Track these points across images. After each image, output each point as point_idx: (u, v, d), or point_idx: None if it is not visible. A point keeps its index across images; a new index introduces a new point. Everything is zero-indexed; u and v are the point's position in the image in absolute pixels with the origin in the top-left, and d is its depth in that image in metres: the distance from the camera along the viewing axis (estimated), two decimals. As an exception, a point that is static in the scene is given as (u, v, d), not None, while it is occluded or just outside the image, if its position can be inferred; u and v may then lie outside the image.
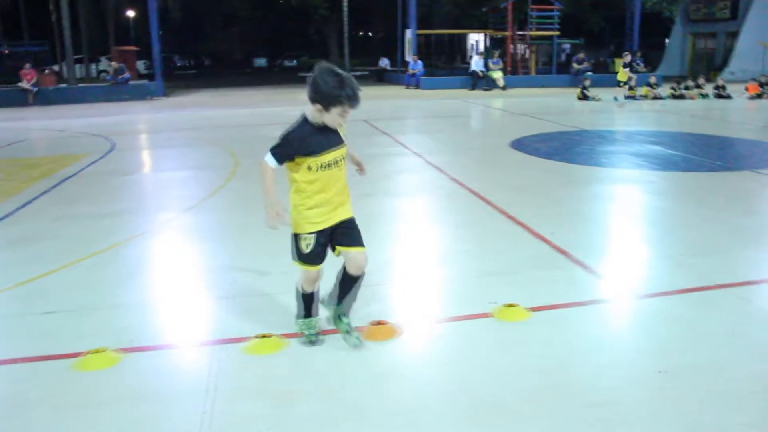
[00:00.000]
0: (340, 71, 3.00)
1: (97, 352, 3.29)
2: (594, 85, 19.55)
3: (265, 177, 3.09)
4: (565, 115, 14.88)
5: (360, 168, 3.45)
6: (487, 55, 26.39)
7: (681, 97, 18.83)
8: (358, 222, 3.31)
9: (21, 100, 20.39)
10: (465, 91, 23.46)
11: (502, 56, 25.52)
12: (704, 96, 19.07)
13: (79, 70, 30.56)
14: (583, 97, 18.45)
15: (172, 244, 5.50)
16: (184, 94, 24.67)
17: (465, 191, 7.03)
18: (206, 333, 3.63)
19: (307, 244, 3.16)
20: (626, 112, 15.76)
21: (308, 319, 3.44)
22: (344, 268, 3.31)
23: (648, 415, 2.73)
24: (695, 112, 15.37)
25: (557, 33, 27.52)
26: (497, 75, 23.80)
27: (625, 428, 2.65)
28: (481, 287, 4.22)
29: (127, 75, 22.61)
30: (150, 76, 27.21)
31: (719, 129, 12.37)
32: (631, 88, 18.47)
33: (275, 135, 3.12)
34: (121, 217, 6.26)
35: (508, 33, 26.92)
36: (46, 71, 24.49)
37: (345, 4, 29.82)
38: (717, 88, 19.13)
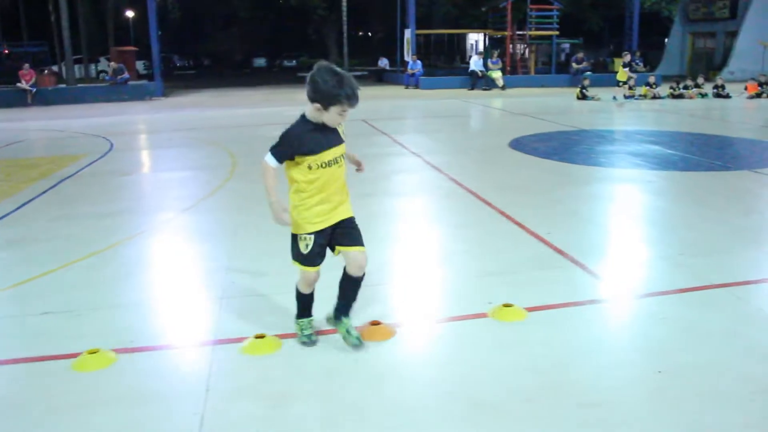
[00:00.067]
0: (339, 70, 2.99)
1: (92, 352, 3.28)
2: (593, 84, 19.55)
3: (266, 177, 3.08)
4: (564, 114, 14.88)
5: (359, 167, 3.42)
6: (486, 54, 26.38)
7: (680, 96, 18.84)
8: (356, 222, 3.30)
9: (20, 100, 20.38)
10: (464, 91, 23.46)
11: (502, 56, 25.51)
12: (703, 95, 19.07)
13: (78, 71, 30.58)
14: (582, 96, 18.45)
15: (170, 245, 5.49)
16: (183, 94, 24.67)
17: (463, 191, 7.02)
18: (203, 333, 3.62)
19: (306, 245, 3.15)
20: (625, 112, 15.76)
21: (305, 319, 3.43)
22: (344, 271, 3.28)
23: (647, 416, 2.72)
24: (694, 112, 15.37)
25: (556, 33, 27.53)
26: (496, 75, 23.79)
27: (624, 428, 2.64)
28: (478, 287, 4.21)
29: (126, 75, 22.60)
30: (149, 77, 27.22)
31: (718, 128, 12.37)
32: (630, 88, 18.48)
33: (274, 135, 3.11)
34: (120, 217, 6.25)
35: (507, 33, 26.92)
36: (45, 71, 24.50)
37: (344, 4, 29.86)
38: (716, 87, 19.13)
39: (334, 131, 3.11)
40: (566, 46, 38.03)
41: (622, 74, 18.33)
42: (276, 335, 3.47)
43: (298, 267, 3.26)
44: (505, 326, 3.60)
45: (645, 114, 15.17)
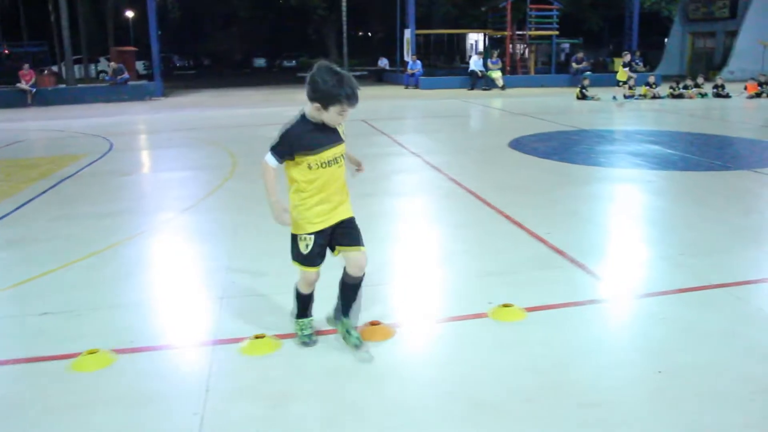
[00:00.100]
0: (339, 69, 2.97)
1: (92, 352, 3.28)
2: (593, 84, 19.55)
3: (267, 176, 3.07)
4: (563, 114, 14.88)
5: (359, 167, 3.41)
6: (486, 54, 26.38)
7: (680, 96, 18.84)
8: (357, 222, 3.29)
9: (20, 100, 20.38)
10: (464, 91, 23.46)
11: (501, 56, 25.51)
12: (703, 95, 19.07)
13: (78, 71, 30.56)
14: (582, 96, 18.45)
15: (169, 245, 5.49)
16: (183, 94, 24.67)
17: (463, 191, 7.02)
18: (203, 333, 3.62)
19: (306, 245, 3.14)
20: (625, 112, 15.76)
21: (304, 320, 3.42)
22: (344, 273, 3.27)
23: (647, 416, 2.72)
24: (694, 112, 15.37)
25: (556, 33, 27.53)
26: (496, 75, 23.79)
27: (624, 428, 2.64)
28: (477, 287, 4.21)
29: (126, 75, 22.60)
30: (149, 77, 27.20)
31: (718, 128, 12.36)
32: (630, 88, 18.48)
33: (274, 135, 3.10)
34: (119, 217, 6.25)
35: (507, 33, 26.91)
36: (45, 72, 24.49)
37: (344, 4, 29.82)
38: (716, 87, 19.14)
39: (334, 131, 3.10)
40: (566, 46, 38.02)
41: (622, 74, 18.34)
42: (276, 335, 3.47)
43: (298, 267, 3.26)
44: (504, 326, 3.60)
45: (645, 114, 15.16)
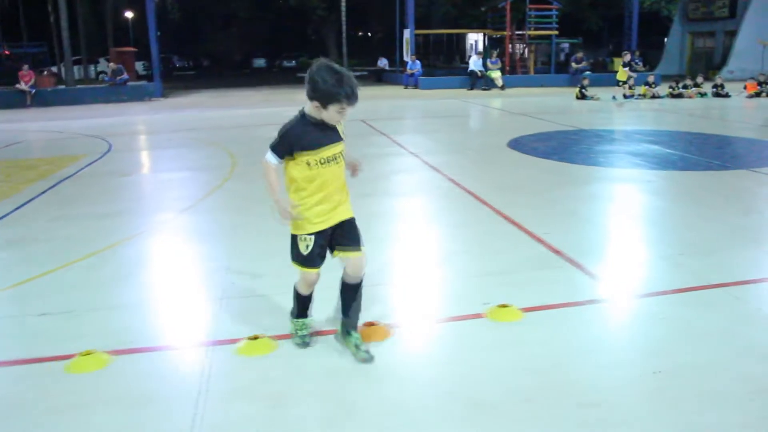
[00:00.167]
0: (338, 68, 2.96)
1: (87, 354, 3.27)
2: (593, 84, 19.55)
3: (268, 175, 3.07)
4: (563, 114, 14.88)
5: (354, 172, 3.35)
6: (485, 54, 26.39)
7: (679, 96, 18.84)
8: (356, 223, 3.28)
9: (19, 101, 20.38)
10: (463, 91, 23.46)
11: (501, 56, 25.51)
12: (703, 95, 19.08)
13: (77, 72, 30.58)
14: (582, 96, 18.45)
15: (168, 245, 5.49)
16: (182, 95, 24.66)
17: (461, 191, 7.02)
18: (200, 334, 3.62)
19: (307, 245, 3.12)
20: (624, 112, 15.76)
21: (302, 320, 3.41)
22: (343, 275, 3.25)
23: (646, 416, 2.72)
24: (694, 111, 15.36)
25: (556, 32, 27.51)
26: (496, 75, 23.79)
27: (623, 428, 2.64)
28: (475, 288, 4.21)
29: (125, 76, 22.61)
30: (149, 77, 27.20)
31: (717, 128, 12.36)
32: (630, 88, 18.48)
33: (274, 135, 3.10)
34: (118, 218, 6.24)
35: (506, 33, 26.91)
36: (45, 72, 24.49)
37: (343, 4, 29.83)
38: (715, 86, 19.14)
39: (334, 129, 3.09)
40: (565, 45, 38.02)
41: (622, 74, 18.34)
42: (274, 336, 3.47)
43: (297, 268, 3.24)
44: (501, 327, 3.60)
45: (644, 113, 15.16)
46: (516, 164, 8.76)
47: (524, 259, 4.74)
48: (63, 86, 23.65)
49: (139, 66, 33.95)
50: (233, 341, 3.44)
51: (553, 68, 28.49)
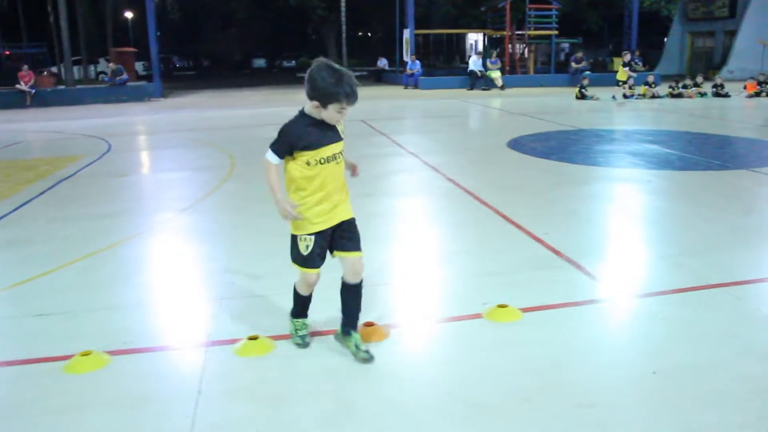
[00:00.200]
0: (338, 67, 2.95)
1: (85, 354, 3.27)
2: (592, 84, 19.55)
3: (269, 174, 3.06)
4: (563, 114, 14.87)
5: (354, 171, 3.35)
6: (485, 54, 26.38)
7: (679, 96, 18.83)
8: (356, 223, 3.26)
9: (19, 101, 20.39)
10: (463, 91, 23.46)
11: (501, 56, 25.52)
12: (702, 95, 19.07)
13: (77, 72, 30.59)
14: (581, 96, 18.44)
15: (167, 246, 5.48)
16: (182, 95, 24.66)
17: (460, 191, 7.01)
18: (199, 335, 3.61)
19: (307, 246, 3.11)
20: (624, 111, 15.75)
21: (301, 320, 3.40)
22: (342, 279, 3.24)
23: (644, 416, 2.71)
24: (693, 111, 15.36)
25: (555, 32, 27.52)
26: (495, 75, 23.79)
27: (621, 429, 2.63)
28: (473, 288, 4.20)
29: (125, 76, 22.60)
30: (148, 78, 27.19)
31: (717, 128, 12.36)
32: (630, 87, 18.47)
33: (273, 136, 3.09)
34: (117, 218, 6.24)
35: (506, 32, 26.91)
36: (44, 73, 24.49)
37: (343, 4, 29.83)
38: (715, 86, 19.13)
39: (333, 129, 3.08)
40: (565, 45, 38.05)
41: (622, 74, 18.33)
42: (273, 336, 3.46)
43: (297, 269, 3.22)
44: (499, 327, 3.59)
45: (644, 113, 15.16)
46: (515, 164, 8.75)
47: (523, 260, 4.73)
48: (63, 86, 23.67)
49: (138, 66, 33.96)
50: (232, 341, 3.44)
51: (552, 68, 28.50)
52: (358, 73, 2.96)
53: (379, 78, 32.72)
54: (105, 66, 32.69)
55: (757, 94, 18.71)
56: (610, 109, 16.18)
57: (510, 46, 27.10)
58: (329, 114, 2.98)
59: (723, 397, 2.84)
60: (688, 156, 9.11)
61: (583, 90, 18.53)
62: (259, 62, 58.42)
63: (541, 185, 7.28)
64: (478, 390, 2.94)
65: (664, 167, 8.19)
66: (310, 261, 3.15)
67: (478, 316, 3.72)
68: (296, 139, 3.00)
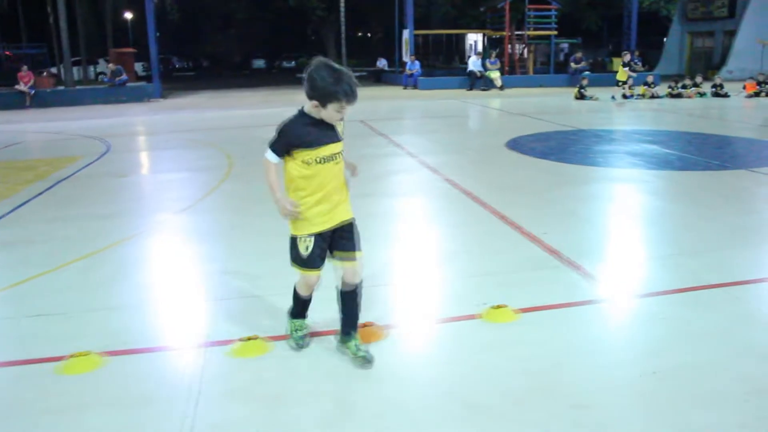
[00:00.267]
0: (337, 66, 2.94)
1: (80, 355, 3.27)
2: (592, 84, 19.55)
3: (268, 174, 3.06)
4: (562, 114, 14.87)
5: (354, 171, 3.32)
6: (484, 55, 26.38)
7: (678, 96, 18.83)
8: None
9: (18, 102, 20.38)
10: (463, 92, 23.45)
11: (500, 56, 25.51)
12: (702, 95, 19.07)
13: (77, 73, 30.58)
14: (581, 96, 18.44)
15: (164, 246, 5.48)
16: (181, 96, 24.64)
17: (458, 192, 7.01)
18: (194, 335, 3.60)
19: (307, 247, 3.09)
20: (623, 112, 15.75)
21: (299, 320, 3.39)
22: (341, 281, 3.22)
23: (643, 417, 2.71)
24: (693, 111, 15.36)
25: (555, 32, 27.52)
26: (495, 75, 23.78)
27: (619, 429, 2.63)
28: (470, 288, 4.20)
29: (124, 77, 22.58)
30: (148, 78, 27.18)
31: (716, 128, 12.36)
32: (630, 87, 18.47)
33: (271, 136, 3.09)
34: (116, 218, 6.23)
35: (505, 33, 26.91)
36: (44, 73, 24.47)
37: (342, 4, 29.82)
38: (715, 86, 19.14)
39: (333, 129, 3.06)
40: (565, 45, 38.03)
41: (622, 74, 18.32)
42: (271, 337, 3.46)
43: (297, 271, 3.19)
44: (497, 328, 3.59)
45: (643, 113, 15.16)
46: (514, 164, 8.75)
47: (522, 260, 4.73)
48: (62, 87, 23.64)
49: (138, 67, 33.92)
50: (231, 342, 3.43)
51: (552, 68, 28.50)
52: (357, 74, 2.93)
53: (378, 78, 32.71)
54: (104, 67, 32.67)
55: (757, 94, 18.71)
56: (609, 110, 16.18)
57: (509, 46, 27.10)
58: (328, 113, 2.97)
59: (723, 397, 2.83)
60: (687, 156, 9.11)
61: (582, 90, 18.52)
62: (259, 63, 58.39)
63: (540, 185, 7.28)
64: (477, 390, 2.94)
65: (663, 167, 8.19)
66: (310, 262, 3.13)
67: (475, 316, 3.71)
68: (295, 137, 2.99)
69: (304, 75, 2.96)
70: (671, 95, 18.84)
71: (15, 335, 3.69)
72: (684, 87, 19.37)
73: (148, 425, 2.74)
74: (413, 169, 8.51)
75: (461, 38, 40.13)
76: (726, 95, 18.66)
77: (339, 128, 3.11)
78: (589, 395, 2.87)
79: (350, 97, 2.93)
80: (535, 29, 27.44)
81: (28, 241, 5.56)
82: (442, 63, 39.00)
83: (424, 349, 3.44)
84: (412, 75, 25.23)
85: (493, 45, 29.16)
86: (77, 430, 2.72)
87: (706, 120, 14.03)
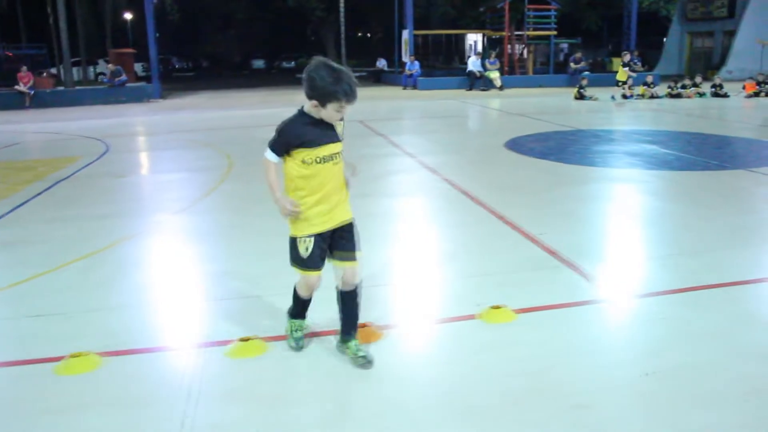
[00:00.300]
0: (336, 66, 2.93)
1: (78, 355, 3.26)
2: (591, 84, 19.55)
3: (268, 173, 3.05)
4: (561, 114, 14.87)
5: (354, 171, 3.29)
6: (484, 55, 26.38)
7: (678, 96, 18.83)
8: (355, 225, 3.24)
9: (18, 102, 20.37)
10: (462, 92, 23.46)
11: (500, 56, 25.51)
12: (701, 95, 19.08)
13: (76, 73, 30.55)
14: (580, 96, 18.44)
15: (163, 247, 5.48)
16: (181, 96, 24.63)
17: (457, 192, 7.01)
18: (192, 336, 3.60)
19: (306, 247, 3.08)
20: (623, 112, 15.75)
21: (298, 321, 3.39)
22: (340, 282, 3.22)
23: (642, 417, 2.71)
24: (692, 111, 15.36)
25: (554, 33, 27.53)
26: (494, 75, 23.79)
27: (619, 430, 2.62)
28: (468, 289, 4.19)
29: (124, 77, 22.58)
30: (147, 79, 27.18)
31: (716, 128, 12.36)
32: (629, 87, 18.48)
33: (270, 136, 3.09)
34: (113, 219, 6.23)
35: (505, 33, 26.91)
36: (44, 74, 24.45)
37: (342, 5, 29.82)
38: (714, 86, 19.14)
39: (332, 128, 3.05)
40: (564, 46, 38.02)
41: (622, 74, 18.33)
42: (269, 337, 3.45)
43: (297, 272, 3.18)
44: (494, 328, 3.58)
45: (643, 114, 15.16)
46: (513, 165, 8.75)
47: (521, 260, 4.73)
48: (62, 88, 23.63)
49: (138, 67, 33.91)
50: (225, 343, 3.43)
51: (551, 68, 28.50)
52: (357, 74, 2.91)
53: (378, 79, 32.71)
54: (104, 67, 32.63)
55: (756, 94, 18.72)
56: (608, 110, 16.18)
57: (509, 46, 27.10)
58: (328, 113, 2.96)
59: (723, 397, 2.83)
60: (686, 156, 9.11)
61: (581, 90, 18.53)
62: (258, 63, 58.40)
63: (539, 186, 7.28)
64: (476, 390, 2.93)
65: (662, 167, 8.19)
66: (310, 262, 3.11)
67: (471, 317, 3.71)
68: (294, 137, 2.98)
69: (304, 75, 2.95)
70: (671, 95, 18.84)
71: (14, 335, 3.69)
72: (683, 87, 19.37)
73: (147, 425, 2.73)
74: (412, 170, 8.51)
75: (461, 38, 40.12)
76: (725, 95, 18.66)
77: (339, 129, 3.10)
78: (589, 395, 2.87)
79: (350, 96, 2.92)
80: (535, 29, 27.44)
81: (27, 242, 5.56)
82: (442, 63, 38.98)
83: (424, 349, 3.43)
84: (411, 75, 25.23)
85: (492, 45, 29.16)
86: (76, 431, 2.72)
87: (706, 120, 14.03)
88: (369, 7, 44.11)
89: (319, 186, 3.04)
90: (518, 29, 27.61)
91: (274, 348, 3.37)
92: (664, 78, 23.43)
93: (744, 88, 19.38)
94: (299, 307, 3.36)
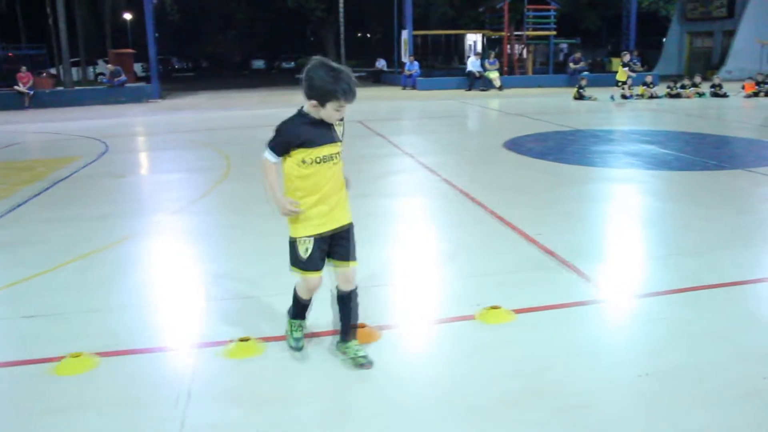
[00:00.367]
0: (335, 65, 2.92)
1: (78, 355, 3.26)
2: (591, 84, 19.55)
3: (267, 173, 3.04)
4: (561, 115, 14.87)
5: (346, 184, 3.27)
6: (483, 55, 26.38)
7: (677, 96, 18.84)
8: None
9: (17, 103, 20.36)
10: (462, 92, 23.45)
11: (499, 56, 25.51)
12: (701, 95, 19.08)
13: (76, 73, 30.53)
14: (580, 97, 18.44)
15: (162, 247, 5.47)
16: (180, 96, 24.62)
17: (455, 192, 7.00)
18: (192, 336, 3.60)
19: (306, 249, 3.07)
20: (622, 112, 15.75)
21: (298, 321, 3.37)
22: (337, 286, 3.21)
23: (642, 417, 2.70)
24: (691, 111, 15.36)
25: (554, 33, 27.52)
26: (494, 75, 23.79)
27: (618, 430, 2.62)
28: (467, 289, 4.19)
29: (123, 78, 22.57)
30: (147, 79, 27.17)
31: (715, 128, 12.36)
32: (629, 87, 18.48)
33: (269, 137, 3.08)
34: (111, 219, 6.22)
35: (504, 33, 26.91)
36: (43, 74, 24.44)
37: (341, 5, 29.82)
38: (714, 86, 19.15)
39: (332, 129, 3.05)
40: (564, 46, 38.01)
41: (622, 74, 18.33)
42: (270, 338, 3.45)
43: (298, 274, 3.16)
44: (493, 328, 3.58)
45: (642, 114, 15.16)
46: (512, 165, 8.74)
47: (521, 260, 4.72)
48: (61, 88, 23.64)
49: (137, 67, 33.92)
50: (227, 343, 3.42)
51: (551, 69, 28.50)
52: (356, 74, 2.90)
53: (377, 79, 32.71)
54: (103, 67, 32.62)
55: (756, 94, 18.72)
56: (608, 110, 16.18)
57: (508, 46, 27.10)
58: (327, 112, 2.95)
59: (722, 397, 2.83)
60: (684, 156, 9.11)
61: (581, 90, 18.53)
62: (258, 63, 58.43)
63: (538, 186, 7.28)
64: (476, 390, 2.93)
65: (660, 167, 8.19)
66: (310, 264, 3.10)
67: (469, 317, 3.70)
68: (294, 137, 2.97)
69: (302, 75, 2.94)
70: (670, 95, 18.85)
71: (14, 335, 3.68)
72: (683, 87, 19.37)
73: (147, 425, 2.73)
74: (411, 170, 8.50)
75: (460, 39, 40.10)
76: (725, 95, 18.67)
77: (339, 130, 3.09)
78: (588, 395, 2.87)
79: (349, 95, 2.91)
80: (534, 29, 27.44)
81: (26, 242, 5.55)
82: (441, 63, 38.96)
83: (423, 350, 3.43)
84: (410, 75, 25.22)
85: (491, 45, 29.15)
86: (76, 431, 2.71)
87: (705, 120, 14.03)
88: (368, 8, 44.12)
89: (318, 186, 3.03)
90: (517, 29, 27.60)
91: (274, 348, 3.37)
92: (663, 78, 23.45)
93: (743, 88, 19.39)
94: (299, 308, 3.34)
